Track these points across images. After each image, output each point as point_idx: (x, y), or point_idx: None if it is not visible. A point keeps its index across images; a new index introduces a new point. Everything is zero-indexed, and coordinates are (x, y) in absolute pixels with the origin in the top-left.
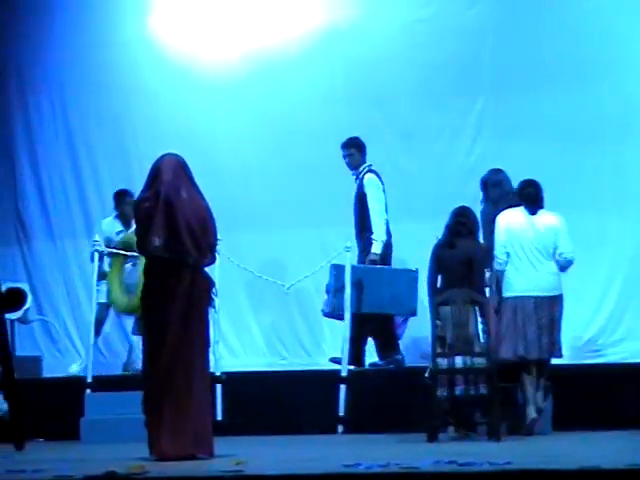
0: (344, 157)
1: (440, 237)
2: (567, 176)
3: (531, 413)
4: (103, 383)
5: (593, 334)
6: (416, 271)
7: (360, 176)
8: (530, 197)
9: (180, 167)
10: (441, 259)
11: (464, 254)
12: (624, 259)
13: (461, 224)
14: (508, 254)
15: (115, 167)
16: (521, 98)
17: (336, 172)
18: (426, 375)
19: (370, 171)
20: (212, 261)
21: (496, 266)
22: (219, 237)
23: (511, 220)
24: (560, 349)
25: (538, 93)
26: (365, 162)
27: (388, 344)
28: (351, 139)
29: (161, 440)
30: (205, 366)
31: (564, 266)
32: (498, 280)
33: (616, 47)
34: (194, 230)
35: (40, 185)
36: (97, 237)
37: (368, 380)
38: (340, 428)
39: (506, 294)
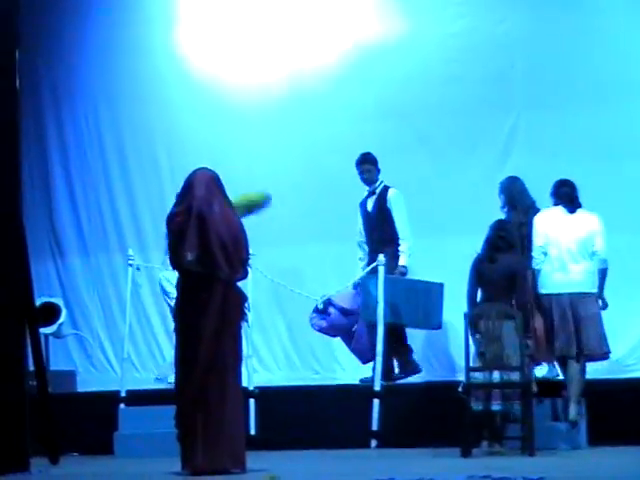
0: (361, 173)
1: (479, 251)
2: (601, 192)
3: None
4: (137, 397)
5: (627, 350)
6: (442, 285)
7: (378, 191)
8: (568, 196)
9: (213, 182)
10: (482, 273)
11: (506, 268)
12: None
13: (501, 238)
14: (545, 253)
15: (148, 181)
16: (553, 113)
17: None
18: (460, 389)
19: (389, 186)
20: (244, 276)
21: (533, 265)
22: (252, 252)
23: (549, 219)
24: (606, 346)
25: (570, 108)
26: (379, 177)
27: (398, 350)
28: (366, 156)
29: (194, 455)
30: (237, 381)
31: (600, 267)
32: (534, 278)
33: None
34: (226, 245)
35: (74, 200)
36: (131, 251)
37: (401, 394)
38: (373, 442)
39: (542, 291)
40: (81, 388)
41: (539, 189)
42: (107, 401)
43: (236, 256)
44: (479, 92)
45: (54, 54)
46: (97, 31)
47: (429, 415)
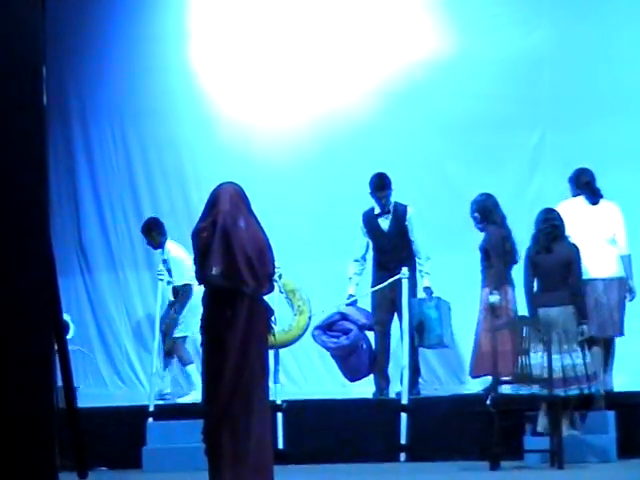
0: (380, 199)
1: (530, 243)
2: (630, 205)
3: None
4: (165, 412)
5: None
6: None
7: (392, 209)
8: (588, 186)
9: (238, 196)
10: (538, 264)
11: (562, 257)
12: None
13: (556, 227)
14: None
15: (174, 195)
16: (579, 128)
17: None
18: (488, 402)
19: (404, 204)
20: (270, 290)
21: None
22: (278, 266)
23: (573, 209)
24: (622, 327)
25: (597, 123)
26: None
27: (415, 378)
28: (384, 180)
29: (221, 470)
30: (264, 395)
31: (623, 254)
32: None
33: None
34: (251, 259)
35: (101, 215)
36: (161, 266)
37: (429, 408)
38: (402, 456)
39: None
40: (110, 403)
41: None
42: (135, 416)
43: (261, 270)
44: (506, 108)
45: (80, 71)
46: (122, 50)
47: (458, 428)
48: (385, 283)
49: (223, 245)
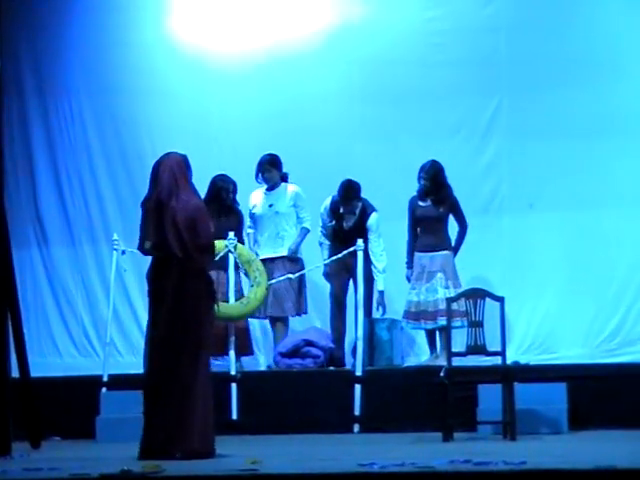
0: (349, 205)
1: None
2: (583, 174)
3: None
4: (119, 382)
5: (609, 333)
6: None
7: (359, 211)
8: None
9: (179, 167)
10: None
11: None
12: None
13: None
14: None
15: (132, 169)
16: (535, 96)
17: (348, 168)
18: (442, 374)
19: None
20: (204, 261)
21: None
22: (232, 237)
23: None
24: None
25: (553, 91)
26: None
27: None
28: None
29: (153, 437)
30: (204, 364)
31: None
32: None
33: (632, 45)
34: (180, 231)
35: (59, 187)
36: (115, 236)
37: (383, 379)
38: (356, 427)
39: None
40: (64, 372)
41: (521, 171)
42: (89, 385)
43: (192, 242)
44: (462, 75)
45: (38, 40)
46: (81, 18)
47: (411, 400)
48: (340, 255)
49: (156, 218)
